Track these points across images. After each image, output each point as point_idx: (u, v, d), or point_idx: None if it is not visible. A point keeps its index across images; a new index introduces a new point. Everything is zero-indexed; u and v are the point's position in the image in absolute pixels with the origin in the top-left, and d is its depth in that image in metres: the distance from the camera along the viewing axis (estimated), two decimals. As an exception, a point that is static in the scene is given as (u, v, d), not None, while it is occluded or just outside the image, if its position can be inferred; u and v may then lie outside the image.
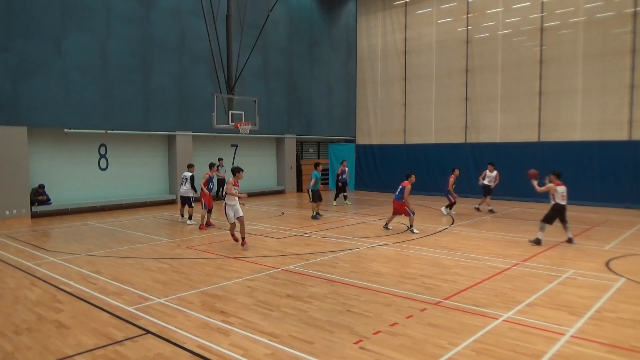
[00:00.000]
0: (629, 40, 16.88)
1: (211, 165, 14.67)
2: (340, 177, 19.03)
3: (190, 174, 14.16)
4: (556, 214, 10.58)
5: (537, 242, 10.51)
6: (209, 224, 13.55)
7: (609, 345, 5.07)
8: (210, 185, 13.97)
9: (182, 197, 14.30)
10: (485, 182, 16.45)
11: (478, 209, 16.63)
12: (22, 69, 15.51)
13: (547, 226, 10.61)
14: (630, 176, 16.98)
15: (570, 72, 18.16)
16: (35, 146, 16.36)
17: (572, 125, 18.34)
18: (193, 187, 14.02)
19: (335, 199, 19.22)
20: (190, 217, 14.15)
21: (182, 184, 14.24)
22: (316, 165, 15.84)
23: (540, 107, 19.00)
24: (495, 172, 16.45)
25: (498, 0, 19.98)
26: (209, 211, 13.67)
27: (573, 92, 18.18)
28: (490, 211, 16.33)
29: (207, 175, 13.86)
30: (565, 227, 10.74)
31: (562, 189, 10.62)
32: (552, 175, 10.84)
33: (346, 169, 19.11)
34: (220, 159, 19.99)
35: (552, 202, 10.62)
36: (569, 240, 10.66)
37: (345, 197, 19.20)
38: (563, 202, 10.56)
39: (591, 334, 5.39)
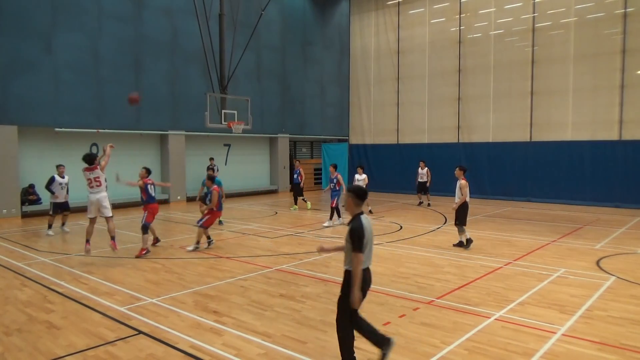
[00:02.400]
0: (619, 41, 17.04)
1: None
2: (294, 177, 17.80)
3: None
4: (467, 211, 10.32)
5: (463, 244, 10.16)
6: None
7: (599, 343, 5.12)
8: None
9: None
10: (419, 179, 17.92)
11: (421, 204, 18.15)
12: (12, 68, 15.35)
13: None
14: (620, 176, 17.15)
15: (562, 73, 18.31)
16: (26, 145, 16.20)
17: (563, 125, 18.49)
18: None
19: (295, 203, 17.79)
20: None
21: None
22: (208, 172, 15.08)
23: (532, 107, 19.14)
24: (425, 169, 17.83)
25: (490, 0, 20.09)
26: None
27: (564, 92, 18.32)
28: (429, 205, 17.80)
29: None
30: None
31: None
32: (460, 170, 10.52)
33: (301, 169, 17.77)
34: (211, 159, 19.92)
35: (465, 200, 10.26)
36: (460, 244, 10.31)
37: (304, 200, 17.68)
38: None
39: (582, 332, 5.44)
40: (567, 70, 18.18)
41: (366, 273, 4.39)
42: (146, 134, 19.46)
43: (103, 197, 9.41)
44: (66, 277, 8.11)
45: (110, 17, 17.70)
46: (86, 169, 9.51)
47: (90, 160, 9.62)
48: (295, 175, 17.66)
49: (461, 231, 10.28)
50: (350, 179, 25.26)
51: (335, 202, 13.71)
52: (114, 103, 17.95)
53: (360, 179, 14.93)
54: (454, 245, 10.39)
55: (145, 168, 10.98)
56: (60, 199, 12.86)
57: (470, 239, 10.22)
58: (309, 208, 17.51)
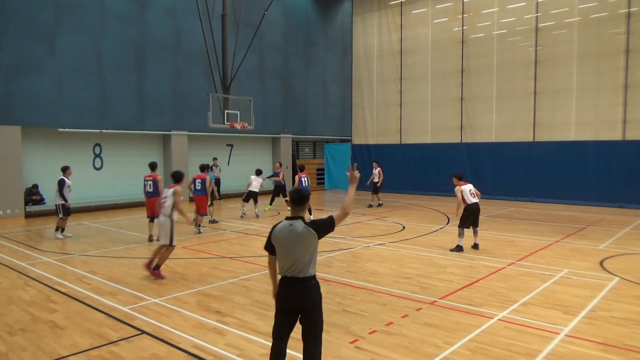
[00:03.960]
0: (622, 41, 16.97)
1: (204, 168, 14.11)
2: (273, 178, 17.55)
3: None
4: (470, 215, 9.92)
5: (459, 249, 9.88)
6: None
7: (602, 344, 5.10)
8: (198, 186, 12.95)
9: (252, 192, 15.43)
10: (373, 180, 18.00)
11: (371, 206, 18.05)
12: (15, 68, 15.42)
13: (465, 230, 10.02)
14: (624, 176, 17.08)
15: (565, 72, 18.24)
16: (29, 146, 16.26)
17: (566, 125, 18.42)
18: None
19: (270, 204, 17.54)
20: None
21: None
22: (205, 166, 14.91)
23: (535, 107, 19.07)
24: (378, 169, 18.13)
25: (493, 0, 20.04)
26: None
27: (567, 92, 18.25)
28: (379, 205, 18.10)
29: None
30: (474, 232, 10.16)
31: (467, 188, 9.95)
32: (454, 177, 10.13)
33: (282, 170, 17.56)
34: (214, 159, 19.96)
35: (464, 204, 9.90)
36: (475, 246, 10.08)
37: (286, 201, 16.88)
38: (475, 200, 9.89)
39: (585, 333, 5.42)
40: (571, 70, 18.11)
41: (281, 281, 4.06)
42: (149, 134, 19.51)
43: (163, 221, 8.08)
44: (69, 277, 8.14)
45: (113, 18, 17.76)
46: (168, 187, 8.34)
47: (178, 178, 8.43)
48: (276, 177, 17.39)
49: (460, 234, 9.97)
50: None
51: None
52: (117, 103, 18.02)
53: (375, 173, 17.51)
54: (451, 250, 9.97)
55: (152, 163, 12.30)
56: (69, 202, 12.22)
57: (461, 245, 9.87)
58: (266, 209, 17.06)
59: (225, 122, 17.04)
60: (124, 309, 6.44)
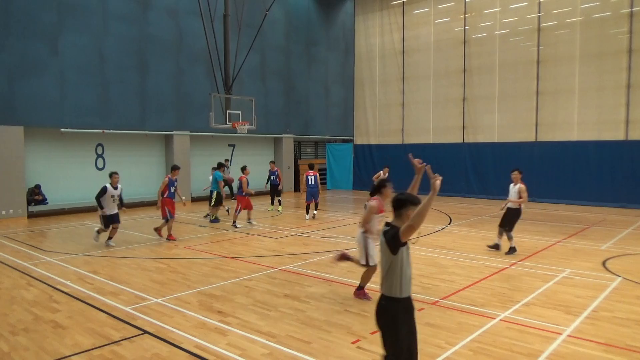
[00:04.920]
0: (625, 41, 16.93)
1: (219, 166, 15.37)
2: (270, 178, 17.30)
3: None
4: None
5: (515, 249, 9.59)
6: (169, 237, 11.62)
7: (605, 345, 5.09)
8: (172, 189, 11.69)
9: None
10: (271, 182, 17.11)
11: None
12: (18, 69, 15.45)
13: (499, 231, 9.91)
14: (626, 176, 17.03)
15: (567, 72, 18.20)
16: (32, 146, 16.30)
17: (569, 125, 18.38)
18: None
19: (272, 204, 17.37)
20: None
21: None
22: (220, 165, 15.58)
23: (538, 107, 19.04)
24: (277, 170, 17.24)
25: (495, 0, 20.01)
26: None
27: (570, 92, 18.21)
28: (279, 204, 17.20)
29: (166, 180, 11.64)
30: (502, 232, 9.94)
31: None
32: (520, 173, 9.88)
33: (277, 169, 17.47)
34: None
35: (518, 205, 9.69)
36: (496, 247, 9.88)
37: (279, 202, 17.23)
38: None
39: (588, 333, 5.41)
40: (573, 70, 18.07)
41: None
42: (151, 134, 19.54)
43: (358, 236, 6.83)
44: (72, 277, 8.15)
45: (115, 18, 17.79)
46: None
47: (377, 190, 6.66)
48: (273, 177, 17.26)
49: (510, 237, 9.61)
50: (355, 179, 25.31)
51: (317, 199, 15.16)
52: (120, 103, 18.05)
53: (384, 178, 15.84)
54: (507, 253, 9.49)
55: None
56: (109, 212, 10.73)
57: (514, 247, 9.60)
58: (279, 211, 16.88)
59: (227, 122, 17.06)
60: (126, 308, 6.45)
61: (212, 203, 14.45)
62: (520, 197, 9.63)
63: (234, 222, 13.50)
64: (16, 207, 15.55)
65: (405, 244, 3.54)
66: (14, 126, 15.39)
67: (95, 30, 17.25)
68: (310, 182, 14.94)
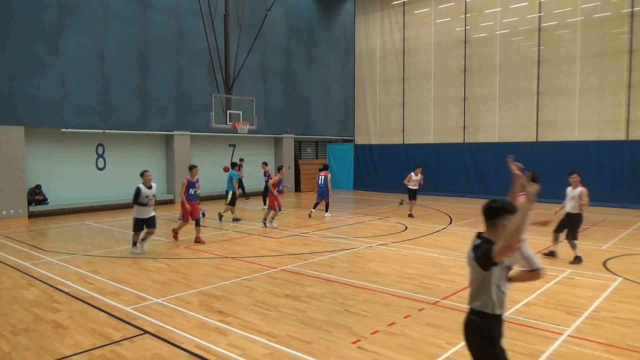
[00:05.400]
0: (626, 41, 16.91)
1: (234, 165, 15.35)
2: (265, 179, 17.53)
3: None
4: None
5: (580, 259, 8.86)
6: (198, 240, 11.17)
7: (606, 345, 5.08)
8: (192, 191, 11.30)
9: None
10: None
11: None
12: (19, 69, 15.47)
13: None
14: (627, 176, 17.02)
15: (568, 72, 18.18)
16: (32, 146, 16.31)
17: (569, 125, 18.36)
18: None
19: (264, 204, 17.05)
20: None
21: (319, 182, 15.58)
22: (234, 164, 15.58)
23: (538, 107, 19.02)
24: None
25: (496, 0, 20.00)
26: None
27: (571, 92, 18.20)
28: (203, 215, 14.65)
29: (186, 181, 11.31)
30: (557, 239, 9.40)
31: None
32: (579, 175, 9.38)
33: (269, 169, 17.71)
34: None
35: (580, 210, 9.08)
36: (552, 254, 9.34)
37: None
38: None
39: (588, 334, 5.41)
40: (574, 70, 18.05)
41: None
42: (152, 134, 19.55)
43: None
44: (72, 277, 8.15)
45: (116, 18, 17.80)
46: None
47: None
48: (265, 178, 17.62)
49: (574, 245, 8.98)
50: (355, 179, 25.30)
51: (329, 199, 15.56)
52: (120, 103, 18.06)
53: (416, 179, 15.30)
54: (571, 262, 8.80)
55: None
56: (144, 215, 9.85)
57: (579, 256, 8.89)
58: (261, 209, 16.86)
59: (228, 122, 17.07)
60: (127, 308, 6.45)
61: (228, 202, 14.59)
62: (582, 201, 8.99)
63: (273, 218, 13.56)
64: (17, 207, 15.56)
65: (498, 263, 3.09)
66: (15, 126, 15.41)
67: (95, 30, 17.26)
68: (320, 182, 15.39)
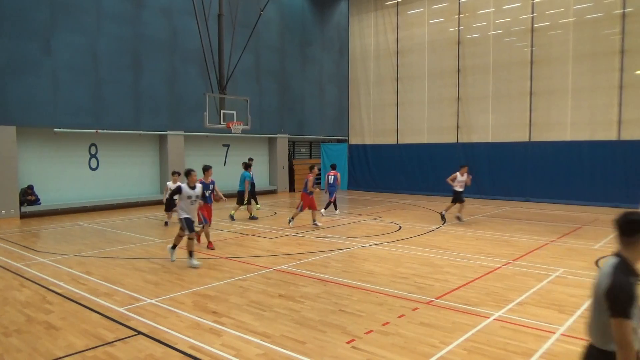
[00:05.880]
0: (617, 41, 17.05)
1: (247, 166, 15.45)
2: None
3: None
4: None
5: None
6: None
7: (598, 343, 5.11)
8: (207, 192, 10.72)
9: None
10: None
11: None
12: (10, 68, 15.34)
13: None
14: (619, 176, 17.16)
15: (561, 73, 18.32)
16: (24, 146, 16.18)
17: (562, 125, 18.49)
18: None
19: (256, 203, 16.65)
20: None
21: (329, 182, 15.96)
22: (248, 165, 15.49)
23: (531, 107, 19.14)
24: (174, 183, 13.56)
25: (489, 0, 20.09)
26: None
27: (563, 92, 18.33)
28: (166, 224, 13.91)
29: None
30: None
31: None
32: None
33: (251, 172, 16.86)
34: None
35: None
36: None
37: (256, 201, 16.63)
38: None
39: (581, 332, 5.43)
40: (566, 71, 18.18)
41: None
42: (145, 134, 19.46)
43: None
44: (65, 278, 8.10)
45: (109, 17, 17.70)
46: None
47: None
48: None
49: None
50: (349, 179, 25.31)
51: (334, 197, 16.06)
52: (113, 103, 17.96)
53: (462, 179, 13.92)
54: None
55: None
56: (188, 215, 9.02)
57: None
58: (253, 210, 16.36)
59: (222, 122, 17.03)
60: (120, 309, 6.42)
61: (245, 202, 14.84)
62: None
63: (292, 218, 13.53)
64: (9, 207, 15.44)
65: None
66: (7, 126, 15.28)
67: (88, 30, 17.16)
68: (330, 181, 16.03)
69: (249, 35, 19.13)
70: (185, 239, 9.10)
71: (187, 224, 8.88)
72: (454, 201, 13.93)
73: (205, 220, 10.42)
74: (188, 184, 9.03)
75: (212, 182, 10.79)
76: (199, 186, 9.21)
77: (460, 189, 13.94)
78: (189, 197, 8.94)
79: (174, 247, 9.23)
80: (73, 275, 8.28)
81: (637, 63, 16.81)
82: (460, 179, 13.98)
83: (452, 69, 21.18)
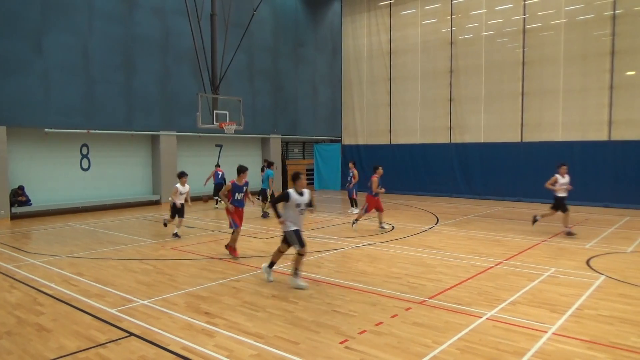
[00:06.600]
0: (608, 42, 17.20)
1: (270, 164, 16.14)
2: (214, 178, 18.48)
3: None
4: None
5: None
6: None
7: (589, 342, 5.16)
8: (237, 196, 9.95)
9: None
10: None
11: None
12: (1, 68, 15.19)
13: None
14: (609, 175, 17.31)
15: (552, 74, 18.44)
16: (15, 146, 16.04)
17: (553, 125, 18.62)
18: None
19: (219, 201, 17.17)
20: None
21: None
22: (270, 164, 16.29)
23: (523, 107, 19.26)
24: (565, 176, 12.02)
25: (481, 1, 20.20)
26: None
27: (555, 93, 18.46)
28: (165, 225, 12.60)
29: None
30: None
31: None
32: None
33: (222, 171, 18.61)
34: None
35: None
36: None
37: (216, 201, 18.23)
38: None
39: (572, 331, 5.48)
40: (558, 71, 18.31)
41: None
42: (137, 134, 19.35)
43: None
44: (56, 279, 8.04)
45: (101, 17, 17.58)
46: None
47: None
48: (219, 176, 18.52)
49: None
50: (343, 179, 25.31)
51: (355, 194, 16.61)
52: (105, 103, 17.85)
53: (564, 181, 11.89)
54: None
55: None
56: (297, 227, 7.57)
57: None
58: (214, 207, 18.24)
59: (215, 123, 16.98)
60: (112, 311, 6.38)
61: (268, 199, 15.24)
62: None
63: (357, 219, 12.85)
64: (-1, 208, 15.30)
65: None
66: (-3, 126, 15.14)
67: (80, 29, 17.03)
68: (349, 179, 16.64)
69: (242, 35, 19.09)
70: (295, 256, 7.50)
71: (298, 237, 7.43)
72: (554, 208, 11.77)
73: (236, 225, 9.57)
74: (295, 189, 7.48)
75: (246, 184, 9.92)
76: (306, 192, 7.63)
77: (564, 194, 11.77)
78: (298, 205, 7.43)
79: (271, 265, 7.86)
80: (64, 277, 8.21)
81: (627, 64, 16.98)
82: (562, 182, 11.80)
83: (445, 70, 21.26)
